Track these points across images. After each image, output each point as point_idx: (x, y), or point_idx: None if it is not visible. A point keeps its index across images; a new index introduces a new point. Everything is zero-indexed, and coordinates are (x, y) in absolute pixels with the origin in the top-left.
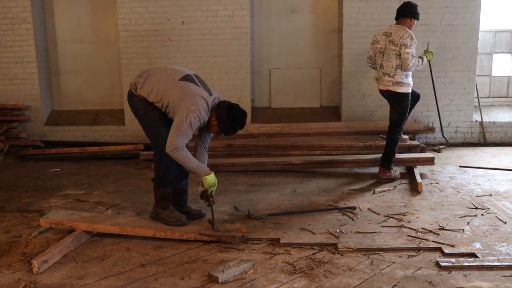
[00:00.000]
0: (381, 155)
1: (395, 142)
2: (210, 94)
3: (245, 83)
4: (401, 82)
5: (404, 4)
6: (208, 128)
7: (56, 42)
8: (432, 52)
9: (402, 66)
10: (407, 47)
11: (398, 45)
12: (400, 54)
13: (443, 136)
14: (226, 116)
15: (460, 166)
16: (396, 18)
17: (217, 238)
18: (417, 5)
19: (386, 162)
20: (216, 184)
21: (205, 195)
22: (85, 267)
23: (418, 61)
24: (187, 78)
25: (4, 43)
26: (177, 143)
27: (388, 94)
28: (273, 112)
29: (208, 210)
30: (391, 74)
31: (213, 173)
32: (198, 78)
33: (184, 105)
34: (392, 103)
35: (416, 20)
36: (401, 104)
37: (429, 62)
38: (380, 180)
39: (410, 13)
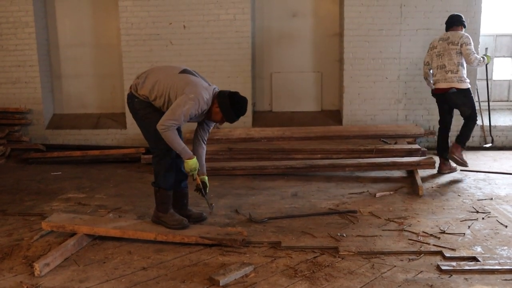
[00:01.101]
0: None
1: (471, 129)
2: (210, 85)
3: (247, 87)
4: (464, 78)
5: (455, 15)
6: (210, 117)
7: (58, 46)
8: (490, 56)
9: (466, 61)
10: (467, 45)
11: (459, 44)
12: (461, 52)
13: (490, 135)
14: (229, 103)
15: (461, 170)
16: (449, 27)
17: (218, 241)
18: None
19: (462, 140)
20: (197, 168)
21: (198, 188)
22: (86, 270)
23: (479, 59)
24: (185, 71)
25: (6, 47)
26: (168, 124)
27: (453, 91)
28: (274, 116)
29: (206, 210)
30: (454, 71)
31: (195, 158)
32: (195, 72)
33: (185, 92)
34: (455, 99)
35: (465, 28)
36: (467, 98)
37: (486, 65)
38: (452, 156)
39: (461, 22)
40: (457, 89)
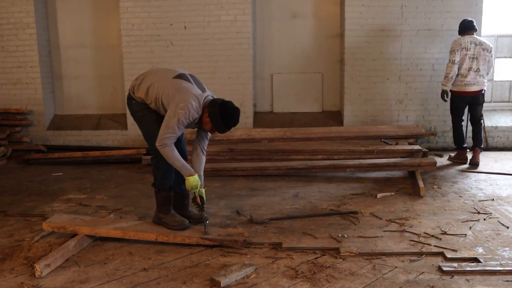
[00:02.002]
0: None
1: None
2: (204, 92)
3: (247, 88)
4: None
5: (471, 20)
6: (201, 126)
7: (59, 47)
8: None
9: (488, 70)
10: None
11: (491, 53)
12: (489, 61)
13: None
14: (219, 113)
15: (462, 171)
16: (468, 30)
17: (219, 242)
18: None
19: (481, 143)
20: (199, 186)
21: (194, 200)
22: (87, 271)
23: None
24: (180, 76)
25: (7, 48)
26: (165, 140)
27: (482, 93)
28: (275, 117)
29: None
30: (485, 75)
31: (196, 175)
32: (192, 77)
33: (174, 101)
34: (481, 100)
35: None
36: (484, 98)
37: None
38: (477, 161)
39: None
40: (484, 90)
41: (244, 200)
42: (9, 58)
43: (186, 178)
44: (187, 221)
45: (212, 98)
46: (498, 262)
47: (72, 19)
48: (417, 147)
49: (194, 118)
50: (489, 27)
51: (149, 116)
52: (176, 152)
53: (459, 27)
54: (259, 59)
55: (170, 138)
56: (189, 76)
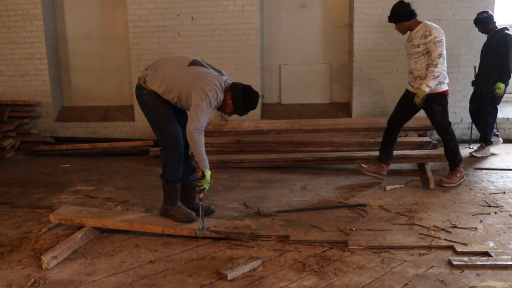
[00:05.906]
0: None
1: None
2: (222, 75)
3: (255, 79)
4: None
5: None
6: (222, 108)
7: (66, 39)
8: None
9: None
10: None
11: None
12: None
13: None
14: (242, 97)
15: (476, 169)
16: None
17: (226, 235)
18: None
19: None
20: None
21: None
22: (94, 263)
23: None
24: (194, 63)
25: (15, 40)
26: (199, 124)
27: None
28: (283, 108)
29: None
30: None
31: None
32: (205, 62)
33: (199, 87)
34: None
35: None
36: None
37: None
38: None
39: None
40: None
41: (252, 192)
42: (16, 50)
43: (205, 170)
44: (194, 214)
45: (231, 81)
46: (510, 257)
47: (79, 10)
48: (426, 139)
49: (220, 100)
50: (501, 16)
51: (160, 107)
52: (203, 142)
53: (411, 12)
54: (267, 50)
55: (203, 121)
56: (202, 62)
